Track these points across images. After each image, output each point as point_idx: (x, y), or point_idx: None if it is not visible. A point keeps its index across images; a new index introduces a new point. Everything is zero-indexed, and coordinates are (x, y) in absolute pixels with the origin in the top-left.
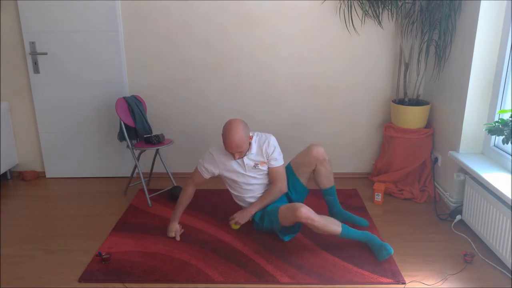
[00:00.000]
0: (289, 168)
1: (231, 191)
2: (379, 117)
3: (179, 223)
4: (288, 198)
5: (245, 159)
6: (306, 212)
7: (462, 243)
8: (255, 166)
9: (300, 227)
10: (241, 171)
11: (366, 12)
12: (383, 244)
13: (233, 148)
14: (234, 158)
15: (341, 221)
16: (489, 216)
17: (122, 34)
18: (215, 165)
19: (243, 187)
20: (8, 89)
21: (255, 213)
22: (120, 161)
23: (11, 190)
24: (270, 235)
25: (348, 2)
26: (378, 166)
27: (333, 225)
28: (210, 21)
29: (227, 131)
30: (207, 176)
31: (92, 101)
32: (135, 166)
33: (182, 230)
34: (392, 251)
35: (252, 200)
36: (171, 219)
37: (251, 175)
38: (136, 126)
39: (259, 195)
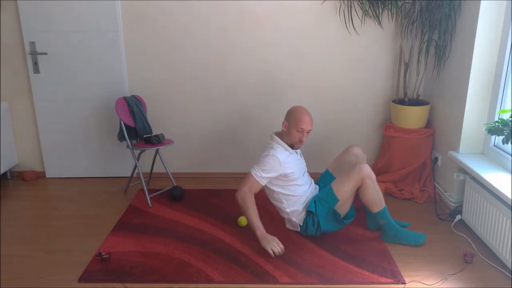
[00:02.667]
0: (326, 173)
1: (287, 194)
2: (379, 117)
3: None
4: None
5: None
6: (369, 168)
7: (462, 243)
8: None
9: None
10: (298, 161)
11: (366, 12)
12: (417, 233)
13: (310, 125)
14: (303, 140)
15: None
16: (489, 216)
17: (122, 34)
18: (279, 166)
19: (300, 179)
20: (8, 89)
21: (308, 206)
22: (120, 161)
23: (11, 190)
24: (271, 234)
25: (348, 2)
26: (378, 166)
27: (383, 197)
28: (210, 21)
29: (301, 110)
30: (265, 183)
31: (92, 101)
32: (135, 166)
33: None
34: (425, 236)
35: (306, 196)
36: (261, 231)
37: (303, 164)
38: (136, 126)
39: (310, 189)
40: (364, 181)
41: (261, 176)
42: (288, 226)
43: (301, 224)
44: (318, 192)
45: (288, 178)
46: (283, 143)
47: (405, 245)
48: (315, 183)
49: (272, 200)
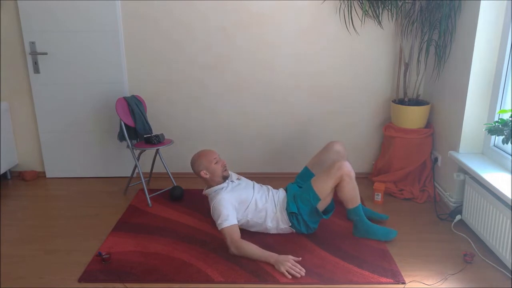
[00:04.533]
0: (305, 171)
1: (256, 213)
2: (379, 117)
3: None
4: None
5: (234, 179)
6: (349, 165)
7: (462, 243)
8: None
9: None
10: (239, 185)
11: (366, 12)
12: (387, 229)
13: (214, 153)
14: (225, 163)
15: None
16: (489, 216)
17: (122, 34)
18: (230, 201)
19: (254, 195)
20: (8, 89)
21: (288, 207)
22: (120, 161)
23: (11, 190)
24: (271, 236)
25: (348, 2)
26: (378, 166)
27: (359, 194)
28: (210, 21)
29: (201, 152)
30: (236, 221)
31: (92, 101)
32: (135, 166)
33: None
34: (396, 232)
35: (272, 201)
36: (274, 258)
37: (244, 182)
38: (136, 126)
39: (271, 193)
40: (342, 178)
41: (229, 220)
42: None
43: (290, 224)
44: (279, 192)
45: (243, 203)
46: (216, 187)
47: (404, 244)
48: (294, 180)
49: (254, 230)
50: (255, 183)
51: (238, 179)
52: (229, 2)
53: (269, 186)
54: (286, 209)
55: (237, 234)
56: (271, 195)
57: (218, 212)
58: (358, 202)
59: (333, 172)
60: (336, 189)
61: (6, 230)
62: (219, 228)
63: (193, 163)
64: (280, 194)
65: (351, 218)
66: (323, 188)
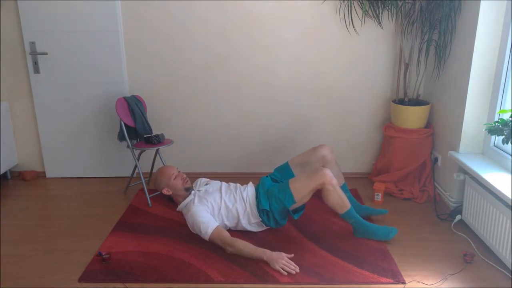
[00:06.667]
0: (285, 166)
1: (230, 215)
2: (379, 117)
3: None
4: (275, 180)
5: (200, 188)
6: (331, 174)
7: (462, 243)
8: (207, 183)
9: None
10: (204, 193)
11: (366, 12)
12: (387, 228)
13: (172, 168)
14: (184, 176)
15: (363, 216)
16: (489, 216)
17: (122, 34)
18: (202, 207)
19: (221, 199)
20: (8, 89)
21: (260, 203)
22: (120, 161)
23: (11, 190)
24: (270, 235)
25: (348, 2)
26: (378, 166)
27: (346, 198)
28: (210, 22)
29: (159, 171)
30: (218, 221)
31: (92, 101)
32: (135, 166)
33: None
34: (396, 230)
35: (240, 200)
36: (267, 254)
37: (210, 188)
38: (136, 126)
39: (239, 191)
40: (325, 187)
41: (210, 225)
42: (259, 229)
43: (260, 219)
44: (248, 187)
45: (214, 208)
46: (185, 201)
47: (404, 244)
48: (274, 171)
49: (235, 230)
50: (223, 183)
51: (206, 184)
52: (229, 2)
53: (237, 184)
54: (258, 205)
55: (225, 232)
56: (239, 193)
57: (197, 225)
58: (348, 205)
59: (315, 178)
60: (322, 198)
61: (6, 230)
62: (207, 238)
63: (154, 182)
64: (249, 189)
65: (347, 221)
66: (300, 191)
